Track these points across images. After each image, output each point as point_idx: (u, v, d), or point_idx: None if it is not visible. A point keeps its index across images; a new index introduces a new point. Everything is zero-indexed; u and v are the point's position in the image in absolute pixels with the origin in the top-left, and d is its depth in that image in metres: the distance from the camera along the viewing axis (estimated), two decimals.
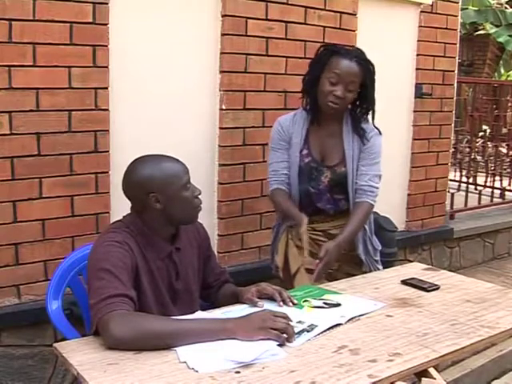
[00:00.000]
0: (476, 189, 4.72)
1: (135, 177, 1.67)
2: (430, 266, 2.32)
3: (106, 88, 2.41)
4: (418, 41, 3.61)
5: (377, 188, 2.23)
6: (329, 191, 2.24)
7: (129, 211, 1.73)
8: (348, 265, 2.32)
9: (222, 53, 2.76)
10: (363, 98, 2.20)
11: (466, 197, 4.53)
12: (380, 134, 2.27)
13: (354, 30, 3.20)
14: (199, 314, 1.67)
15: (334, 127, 2.24)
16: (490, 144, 5.57)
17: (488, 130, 6.10)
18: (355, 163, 2.21)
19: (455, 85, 3.88)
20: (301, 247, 2.29)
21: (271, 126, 2.36)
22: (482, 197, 4.71)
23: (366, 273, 2.25)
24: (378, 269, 2.32)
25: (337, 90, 2.11)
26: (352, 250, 2.30)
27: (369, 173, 2.21)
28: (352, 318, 1.65)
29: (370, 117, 2.27)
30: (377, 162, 2.24)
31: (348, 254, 2.29)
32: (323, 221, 2.29)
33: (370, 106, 2.23)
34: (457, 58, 3.87)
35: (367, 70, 2.16)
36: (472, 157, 4.93)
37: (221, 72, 2.78)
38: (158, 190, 1.64)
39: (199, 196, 1.73)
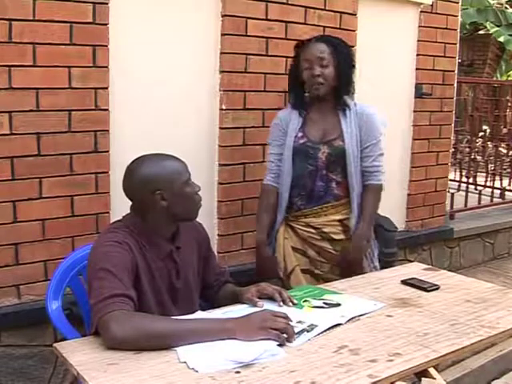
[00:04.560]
0: (476, 189, 4.72)
1: (139, 176, 1.67)
2: (430, 266, 2.32)
3: (106, 88, 2.41)
4: (418, 41, 3.61)
5: (381, 166, 2.31)
6: (326, 168, 2.26)
7: (129, 211, 1.73)
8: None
9: (221, 53, 2.76)
10: (342, 77, 2.26)
11: (466, 197, 4.53)
12: (375, 112, 2.32)
13: (354, 30, 3.20)
14: (199, 314, 1.67)
15: (328, 111, 2.30)
16: (490, 144, 5.56)
17: (488, 130, 6.10)
18: (354, 139, 2.25)
19: (455, 85, 3.88)
20: (296, 248, 2.30)
21: None
22: (482, 197, 4.71)
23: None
24: (376, 267, 2.32)
25: (313, 70, 2.21)
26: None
27: (371, 154, 2.28)
28: (352, 318, 1.65)
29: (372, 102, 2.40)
30: (377, 142, 2.30)
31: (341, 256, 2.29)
32: (315, 215, 2.28)
33: (350, 86, 2.30)
34: (457, 58, 3.87)
35: (335, 46, 2.25)
36: (472, 157, 4.93)
37: (221, 72, 2.78)
38: (163, 187, 1.65)
39: (199, 192, 1.75)
